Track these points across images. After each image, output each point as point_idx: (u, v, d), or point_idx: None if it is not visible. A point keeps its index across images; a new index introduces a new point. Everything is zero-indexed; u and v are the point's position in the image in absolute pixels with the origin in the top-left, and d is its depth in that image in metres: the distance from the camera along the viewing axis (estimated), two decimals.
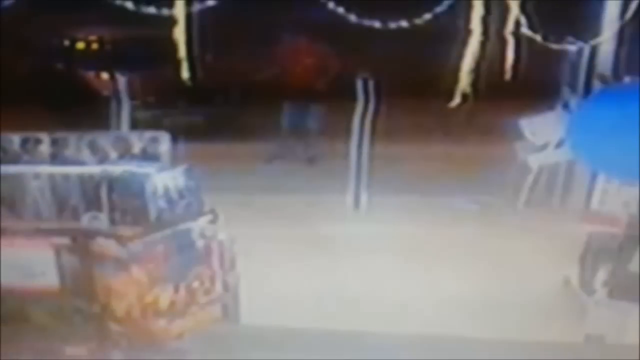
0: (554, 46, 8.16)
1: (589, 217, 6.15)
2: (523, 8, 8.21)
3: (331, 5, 7.18)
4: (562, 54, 8.61)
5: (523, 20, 7.97)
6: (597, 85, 8.18)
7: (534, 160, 8.65)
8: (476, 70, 8.84)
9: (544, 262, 6.85)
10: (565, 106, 8.58)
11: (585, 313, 5.58)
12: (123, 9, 8.49)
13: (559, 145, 8.58)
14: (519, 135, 8.73)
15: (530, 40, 8.21)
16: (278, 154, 10.76)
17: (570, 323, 5.60)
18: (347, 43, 10.00)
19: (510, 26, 8.54)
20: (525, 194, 8.69)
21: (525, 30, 8.21)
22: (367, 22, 7.45)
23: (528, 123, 8.60)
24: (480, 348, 4.72)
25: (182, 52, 8.73)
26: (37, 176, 3.87)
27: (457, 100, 9.09)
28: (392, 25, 7.55)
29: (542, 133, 8.57)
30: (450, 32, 8.64)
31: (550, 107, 8.72)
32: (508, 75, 9.01)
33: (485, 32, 8.68)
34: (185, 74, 9.16)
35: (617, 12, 8.06)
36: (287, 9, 10.58)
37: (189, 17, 8.35)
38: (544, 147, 8.62)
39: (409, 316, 5.85)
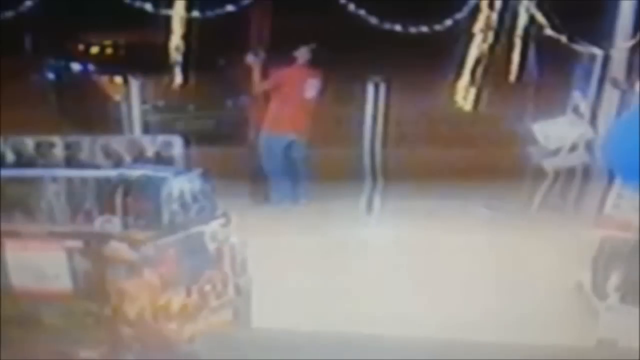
0: (576, 46, 8.16)
1: (602, 221, 6.12)
2: (541, 11, 8.22)
3: (351, 7, 7.17)
4: (575, 58, 8.61)
5: (542, 22, 7.96)
6: (609, 89, 8.17)
7: (549, 165, 8.64)
8: (485, 74, 8.85)
9: (556, 266, 6.82)
10: (576, 110, 8.57)
11: (597, 318, 5.57)
12: (137, 14, 8.54)
13: (572, 149, 8.57)
14: (531, 140, 8.72)
15: (542, 45, 8.22)
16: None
17: (582, 327, 5.58)
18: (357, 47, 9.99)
19: (520, 30, 8.55)
20: (539, 198, 8.68)
21: (543, 33, 8.22)
22: (387, 26, 7.44)
23: (541, 127, 8.60)
24: (492, 352, 4.71)
25: (177, 56, 8.74)
26: (52, 180, 3.89)
27: (468, 105, 9.10)
28: (413, 30, 7.55)
29: (555, 137, 8.56)
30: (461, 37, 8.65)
31: (562, 112, 8.70)
32: (512, 77, 9.01)
33: (496, 36, 8.69)
34: (178, 78, 9.17)
35: (632, 19, 8.06)
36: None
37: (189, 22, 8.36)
38: (557, 151, 8.61)
39: (421, 320, 5.84)
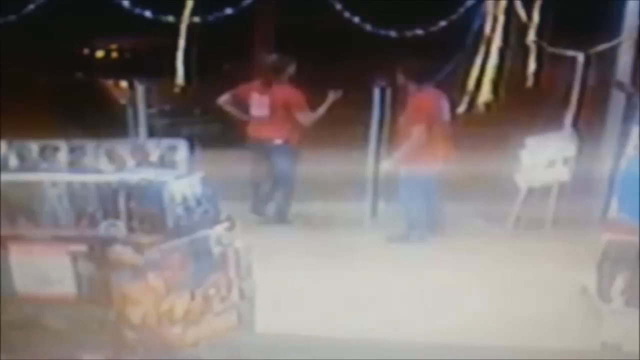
0: (570, 53, 8.14)
1: (607, 225, 6.12)
2: (541, 17, 8.20)
3: (347, 15, 7.18)
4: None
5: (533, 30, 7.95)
6: (615, 93, 8.16)
7: (523, 180, 8.51)
8: (496, 78, 8.82)
9: (561, 269, 6.83)
10: (575, 124, 8.50)
11: (601, 321, 5.57)
12: (142, 18, 8.56)
13: (564, 162, 8.45)
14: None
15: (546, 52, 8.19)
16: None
17: (587, 331, 5.59)
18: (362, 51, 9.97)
19: (530, 35, 8.52)
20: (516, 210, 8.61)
21: (542, 39, 8.19)
22: (382, 32, 7.44)
23: (534, 140, 8.48)
24: (497, 355, 4.71)
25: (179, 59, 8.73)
26: (55, 184, 3.89)
27: (480, 108, 9.07)
28: (408, 34, 7.55)
29: (546, 151, 8.45)
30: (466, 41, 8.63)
31: (560, 126, 8.63)
32: (530, 82, 8.96)
33: (505, 41, 8.66)
34: (179, 80, 9.16)
35: (637, 21, 8.04)
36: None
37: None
38: (551, 164, 8.50)
39: (425, 324, 5.84)
